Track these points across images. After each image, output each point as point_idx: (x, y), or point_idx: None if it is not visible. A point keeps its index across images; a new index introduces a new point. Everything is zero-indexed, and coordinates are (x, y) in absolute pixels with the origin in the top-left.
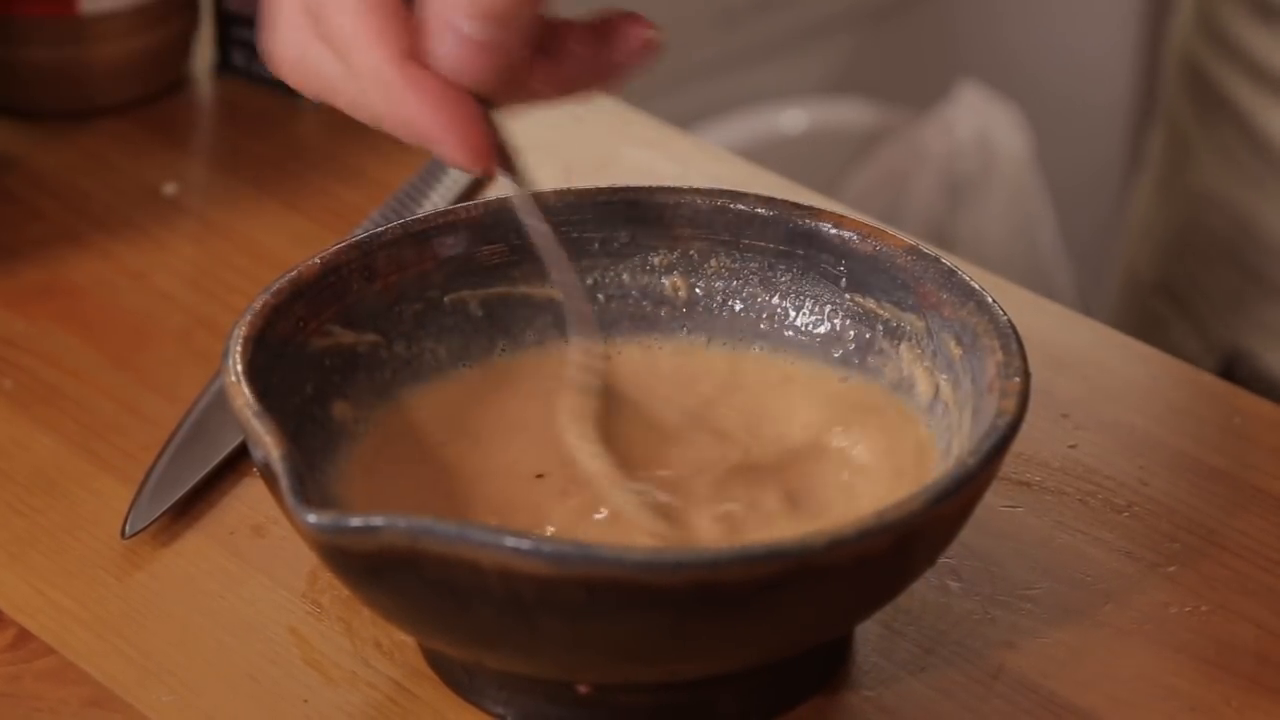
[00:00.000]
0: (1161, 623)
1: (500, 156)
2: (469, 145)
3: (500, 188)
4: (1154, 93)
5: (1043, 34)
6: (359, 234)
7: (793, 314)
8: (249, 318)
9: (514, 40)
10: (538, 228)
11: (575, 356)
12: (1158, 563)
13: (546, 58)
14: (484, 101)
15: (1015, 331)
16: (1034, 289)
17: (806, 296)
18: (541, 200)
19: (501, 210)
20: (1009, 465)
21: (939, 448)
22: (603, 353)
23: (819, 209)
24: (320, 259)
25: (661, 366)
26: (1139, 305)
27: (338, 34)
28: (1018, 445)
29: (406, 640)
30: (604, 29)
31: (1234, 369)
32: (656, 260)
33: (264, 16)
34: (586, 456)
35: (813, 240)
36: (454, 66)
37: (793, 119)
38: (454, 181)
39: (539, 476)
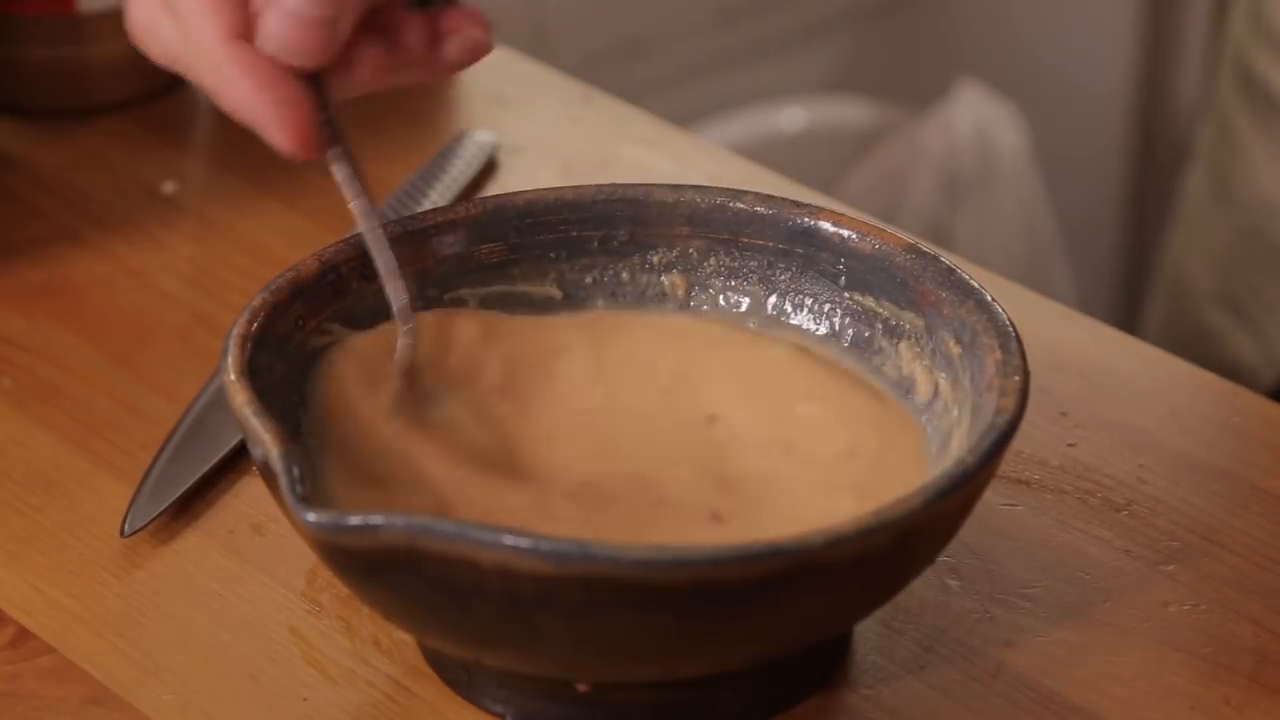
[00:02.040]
0: (1161, 621)
1: (329, 140)
2: (291, 128)
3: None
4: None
5: (1041, 32)
6: (358, 232)
7: (792, 312)
8: (248, 316)
9: (343, 18)
10: (364, 215)
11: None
12: (1157, 561)
13: (378, 41)
14: (313, 84)
15: (1014, 330)
16: (1033, 287)
17: (806, 295)
18: (534, 203)
19: (500, 209)
20: (1008, 464)
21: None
22: (411, 336)
23: (818, 207)
24: (319, 258)
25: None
26: (1191, 315)
27: (177, 6)
28: (1017, 444)
29: (406, 639)
30: (440, 24)
31: None
32: (656, 259)
33: None
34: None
35: (812, 239)
36: (279, 43)
37: (792, 117)
38: (453, 181)
39: (535, 473)
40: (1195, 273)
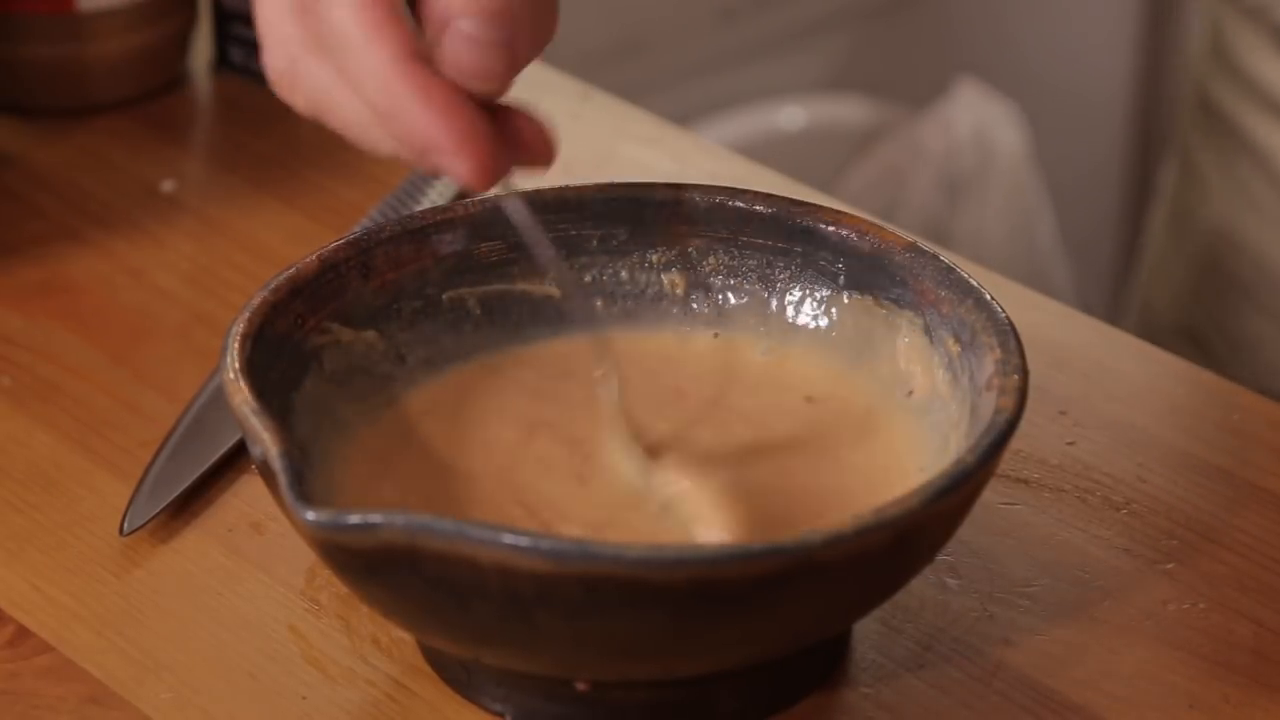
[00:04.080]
0: (1160, 620)
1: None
2: (478, 161)
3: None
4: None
5: (1041, 31)
6: (357, 231)
7: (791, 311)
8: (247, 315)
9: (520, 40)
10: (532, 233)
11: (594, 360)
12: (1156, 560)
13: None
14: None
15: (1013, 329)
16: (1032, 286)
17: (805, 293)
18: (532, 202)
19: (499, 208)
20: (1007, 462)
21: (933, 445)
22: (609, 349)
23: (817, 206)
24: (319, 256)
25: (658, 359)
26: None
27: (334, 30)
28: (1016, 442)
29: (405, 637)
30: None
31: None
32: (655, 257)
33: (257, 27)
34: (631, 464)
35: (811, 237)
36: (464, 69)
37: (791, 116)
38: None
39: (535, 473)
40: (1159, 309)
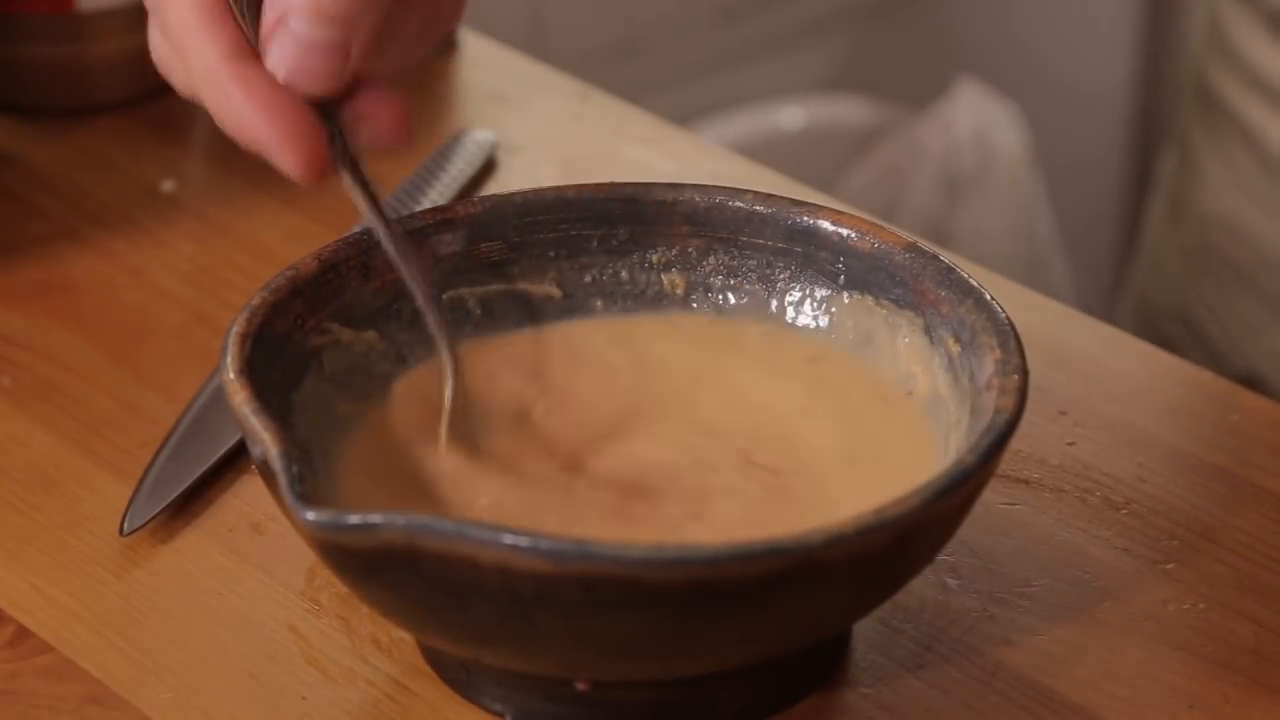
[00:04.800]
0: (1160, 620)
1: (342, 165)
2: (301, 154)
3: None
4: (1156, 96)
5: (1041, 31)
6: (357, 231)
7: (791, 311)
8: (247, 315)
9: (351, 42)
10: (385, 237)
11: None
12: (1156, 560)
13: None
14: (324, 105)
15: (1013, 329)
16: (1032, 286)
17: (805, 293)
18: (529, 202)
19: (499, 208)
20: (1007, 463)
21: (936, 444)
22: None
23: (817, 206)
24: (318, 257)
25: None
26: (1151, 330)
27: (173, 30)
28: (1016, 443)
29: (405, 637)
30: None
31: None
32: (655, 257)
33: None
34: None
35: (811, 237)
36: (288, 69)
37: (791, 116)
38: (452, 179)
39: (534, 472)
40: (1154, 294)
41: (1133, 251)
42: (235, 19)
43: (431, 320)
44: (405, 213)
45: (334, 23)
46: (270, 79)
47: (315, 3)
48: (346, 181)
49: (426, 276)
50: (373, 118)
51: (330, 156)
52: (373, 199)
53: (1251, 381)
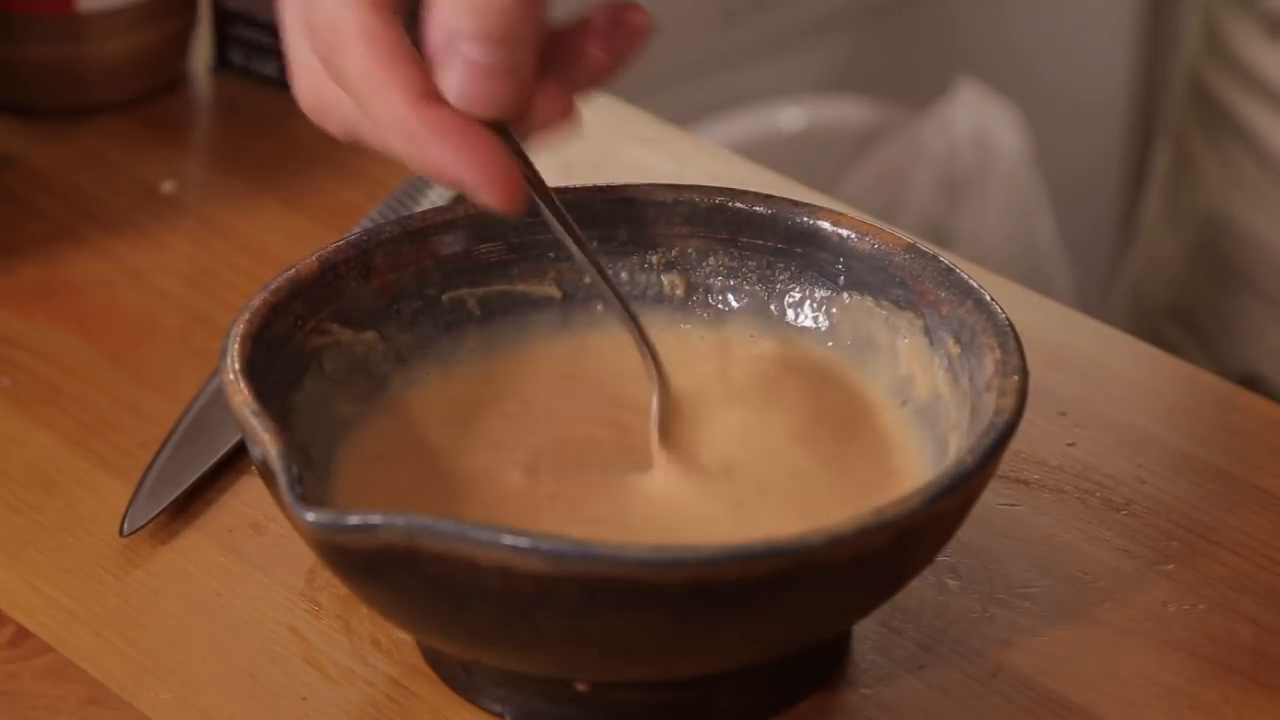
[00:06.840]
0: (1160, 621)
1: (534, 188)
2: (500, 187)
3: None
4: (1155, 97)
5: (1041, 32)
6: (357, 232)
7: (791, 312)
8: (247, 316)
9: (523, 59)
10: (577, 251)
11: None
12: (1156, 561)
13: (553, 69)
14: (504, 132)
15: (1013, 329)
16: (1032, 287)
17: (805, 294)
18: (573, 219)
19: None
20: (1007, 463)
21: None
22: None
23: (817, 207)
24: (318, 257)
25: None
26: (1148, 329)
27: (348, 80)
28: (1016, 443)
29: (405, 638)
30: (610, 21)
31: None
32: (655, 258)
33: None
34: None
35: (811, 238)
36: (468, 98)
37: (791, 117)
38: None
39: (533, 473)
40: (1151, 293)
41: (1130, 251)
42: (406, 55)
43: (635, 335)
44: (405, 214)
45: (503, 43)
46: (458, 118)
47: (481, 27)
48: (541, 208)
49: (402, 260)
50: (628, 27)
51: (526, 187)
52: (565, 221)
53: (1251, 381)
